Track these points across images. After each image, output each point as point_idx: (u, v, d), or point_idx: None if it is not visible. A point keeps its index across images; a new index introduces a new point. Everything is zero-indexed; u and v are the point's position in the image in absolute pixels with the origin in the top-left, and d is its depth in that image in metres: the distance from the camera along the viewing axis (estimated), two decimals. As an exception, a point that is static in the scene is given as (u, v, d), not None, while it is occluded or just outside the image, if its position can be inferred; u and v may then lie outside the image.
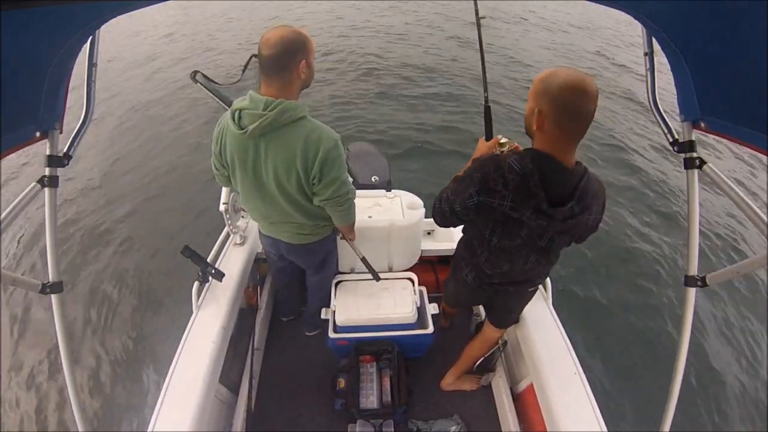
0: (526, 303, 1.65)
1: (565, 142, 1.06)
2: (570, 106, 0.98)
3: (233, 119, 1.28)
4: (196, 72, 1.68)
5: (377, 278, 1.90)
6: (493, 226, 1.22)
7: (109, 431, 2.41)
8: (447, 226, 1.38)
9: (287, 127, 1.26)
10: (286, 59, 1.22)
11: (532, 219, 1.11)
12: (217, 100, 1.73)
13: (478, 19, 1.66)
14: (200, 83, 1.69)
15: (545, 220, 1.11)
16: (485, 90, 1.58)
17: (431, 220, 2.86)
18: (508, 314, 1.68)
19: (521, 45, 9.16)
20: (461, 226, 1.47)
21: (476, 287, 1.48)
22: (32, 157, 4.70)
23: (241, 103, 1.28)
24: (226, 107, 1.66)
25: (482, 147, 1.36)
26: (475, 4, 1.68)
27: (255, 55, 1.27)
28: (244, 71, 1.51)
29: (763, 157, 0.92)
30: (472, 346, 1.84)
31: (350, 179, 1.42)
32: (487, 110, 1.54)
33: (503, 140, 1.32)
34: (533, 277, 1.42)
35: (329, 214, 1.52)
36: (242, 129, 1.25)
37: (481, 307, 2.18)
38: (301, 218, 1.51)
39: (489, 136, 1.44)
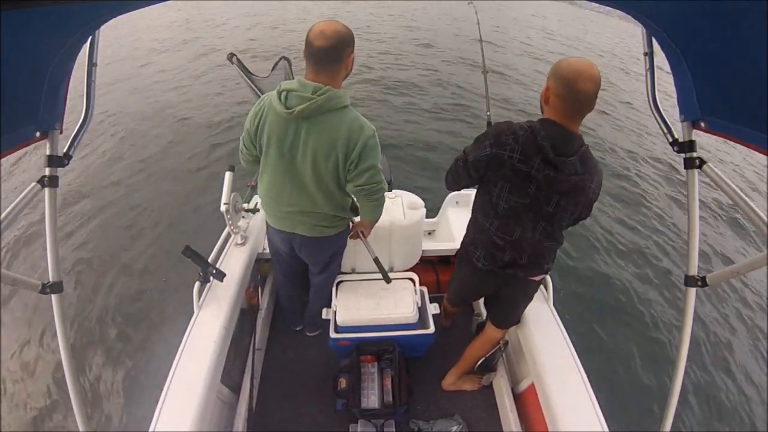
0: (530, 298, 1.67)
1: (568, 115, 1.21)
2: (571, 82, 1.15)
3: (279, 99, 1.31)
4: (233, 54, 1.77)
5: (388, 280, 1.89)
6: (502, 184, 1.32)
7: (110, 431, 2.41)
8: (457, 185, 1.47)
9: (331, 113, 1.32)
10: (339, 52, 1.28)
11: (540, 170, 1.23)
12: (249, 82, 1.81)
13: (481, 41, 2.05)
14: (236, 65, 1.78)
15: (552, 170, 1.23)
16: (488, 109, 1.87)
17: (432, 220, 2.87)
18: (512, 309, 1.68)
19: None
20: (464, 222, 1.53)
21: (486, 272, 1.51)
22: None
23: (289, 84, 1.32)
24: (258, 92, 1.79)
25: None
26: (479, 28, 2.07)
27: (284, 58, 1.28)
28: (273, 69, 1.53)
29: (763, 157, 0.92)
30: (474, 347, 1.85)
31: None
32: (489, 125, 1.69)
33: None
34: (540, 256, 1.45)
35: (360, 204, 1.57)
36: (289, 109, 1.30)
37: (482, 307, 2.18)
38: (324, 207, 1.53)
39: None
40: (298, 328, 2.26)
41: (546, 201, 1.29)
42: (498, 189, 1.33)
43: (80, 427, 1.13)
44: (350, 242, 1.91)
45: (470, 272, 1.59)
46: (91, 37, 1.05)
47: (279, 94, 1.32)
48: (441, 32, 11.31)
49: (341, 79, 1.35)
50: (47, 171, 1.08)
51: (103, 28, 1.01)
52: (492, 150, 1.26)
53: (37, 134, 1.03)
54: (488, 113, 1.84)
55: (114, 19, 0.98)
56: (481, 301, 2.18)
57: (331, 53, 1.26)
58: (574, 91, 1.15)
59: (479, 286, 1.67)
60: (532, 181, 1.26)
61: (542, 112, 1.29)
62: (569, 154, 1.23)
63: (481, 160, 1.30)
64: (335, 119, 1.32)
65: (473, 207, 1.51)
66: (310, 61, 1.29)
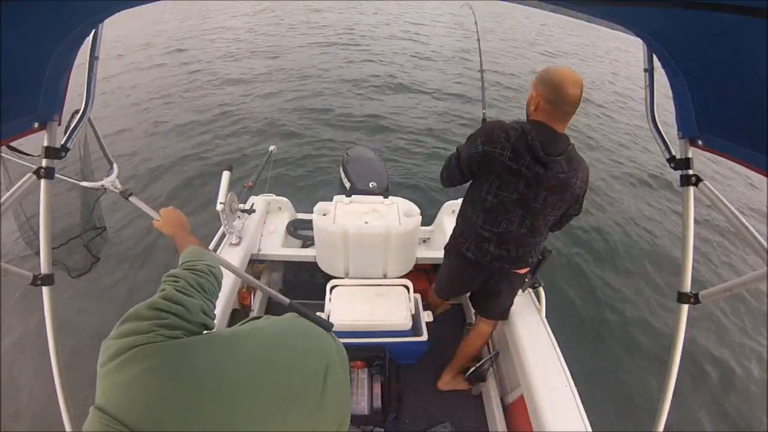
0: (515, 290, 1.72)
1: (556, 118, 1.31)
2: (556, 86, 1.27)
3: None
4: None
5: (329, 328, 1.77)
6: (492, 180, 1.39)
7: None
8: (451, 182, 1.56)
9: None
10: None
11: (530, 168, 1.32)
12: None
13: (479, 41, 2.19)
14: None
15: (541, 168, 1.32)
16: (483, 107, 1.94)
17: (427, 228, 2.86)
18: (498, 300, 1.71)
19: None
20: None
21: (475, 265, 1.57)
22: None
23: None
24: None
25: None
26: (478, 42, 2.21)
27: None
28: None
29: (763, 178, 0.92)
30: (466, 342, 1.88)
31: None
32: (484, 122, 1.74)
33: None
34: (525, 251, 1.51)
35: None
36: None
37: (472, 312, 2.18)
38: None
39: None
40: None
41: (534, 197, 1.37)
42: (488, 184, 1.40)
43: (67, 427, 1.11)
44: (346, 245, 1.89)
45: (459, 264, 1.65)
46: (94, 30, 1.04)
47: None
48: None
49: None
50: (44, 162, 1.06)
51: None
52: (484, 147, 1.34)
53: (36, 125, 1.01)
54: (484, 111, 1.93)
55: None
56: (471, 307, 2.18)
57: None
58: (563, 96, 1.26)
59: (468, 278, 1.71)
60: (521, 178, 1.34)
61: (528, 117, 1.39)
62: (557, 154, 1.32)
63: (474, 157, 1.37)
64: None
65: (463, 200, 1.59)
66: None
